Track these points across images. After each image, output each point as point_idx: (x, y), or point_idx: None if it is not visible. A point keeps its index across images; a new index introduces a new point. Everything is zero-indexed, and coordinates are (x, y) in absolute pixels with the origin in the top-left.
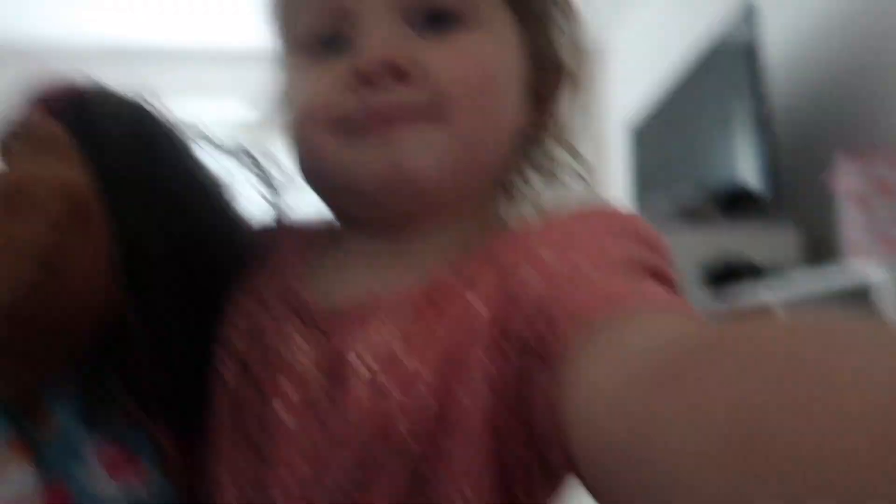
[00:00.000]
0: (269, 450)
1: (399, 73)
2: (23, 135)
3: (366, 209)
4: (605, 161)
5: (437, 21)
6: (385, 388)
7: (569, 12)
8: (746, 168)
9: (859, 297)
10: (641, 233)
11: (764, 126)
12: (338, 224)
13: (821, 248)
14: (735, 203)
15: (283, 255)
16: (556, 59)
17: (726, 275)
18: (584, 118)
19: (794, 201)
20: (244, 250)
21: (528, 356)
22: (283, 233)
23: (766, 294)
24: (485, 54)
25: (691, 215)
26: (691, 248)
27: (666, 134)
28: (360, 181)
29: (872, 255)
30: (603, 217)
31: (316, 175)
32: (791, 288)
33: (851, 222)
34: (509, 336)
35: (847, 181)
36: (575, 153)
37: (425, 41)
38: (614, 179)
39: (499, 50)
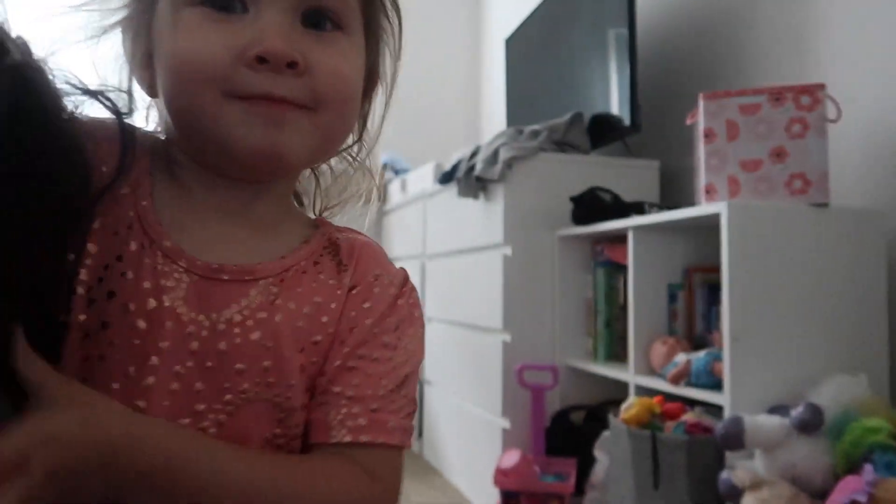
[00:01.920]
0: (140, 379)
1: (293, 67)
2: None
3: (229, 166)
4: (485, 76)
5: (319, 20)
6: (260, 336)
7: (397, 32)
8: (615, 97)
9: (707, 230)
10: (412, 319)
11: (632, 57)
12: (179, 150)
13: (678, 182)
14: (603, 132)
15: (133, 180)
16: (376, 69)
17: (592, 208)
18: (463, 31)
19: (657, 136)
20: (82, 171)
21: (319, 378)
22: (129, 149)
23: (625, 224)
24: (351, 61)
25: (564, 143)
26: (562, 178)
27: (539, 50)
28: (238, 147)
29: (720, 193)
30: (396, 294)
31: (191, 124)
32: (648, 220)
33: (704, 161)
34: (321, 345)
35: (703, 121)
36: (375, 161)
37: (311, 38)
38: (493, 96)
39: (358, 58)
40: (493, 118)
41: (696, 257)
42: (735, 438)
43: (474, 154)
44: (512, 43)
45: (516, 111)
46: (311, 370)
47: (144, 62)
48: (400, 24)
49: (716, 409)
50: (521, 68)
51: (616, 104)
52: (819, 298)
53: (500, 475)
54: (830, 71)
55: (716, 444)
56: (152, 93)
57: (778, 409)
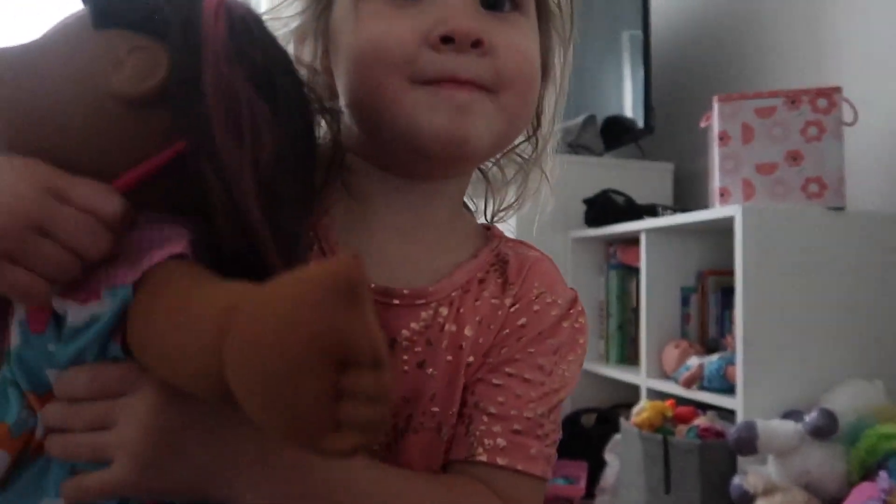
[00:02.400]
0: None
1: (478, 46)
2: None
3: (411, 157)
4: None
5: (498, 1)
6: (426, 362)
7: (568, 19)
8: (629, 100)
9: (721, 233)
10: (573, 343)
11: (646, 59)
12: (354, 154)
13: (691, 185)
14: (616, 134)
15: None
16: (547, 58)
17: (605, 210)
18: None
19: (670, 139)
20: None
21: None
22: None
23: (638, 227)
24: (531, 42)
25: (577, 146)
26: (575, 180)
27: None
28: (423, 133)
29: (734, 196)
30: (561, 315)
31: (373, 111)
32: (661, 223)
33: (718, 163)
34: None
35: (718, 124)
36: (547, 160)
37: (492, 19)
38: None
39: (536, 40)
40: None
41: (710, 260)
42: (748, 443)
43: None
44: None
45: None
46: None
47: (322, 66)
48: (572, 9)
49: (728, 414)
50: None
51: (630, 106)
52: (834, 303)
53: None
54: (847, 73)
55: (728, 448)
56: (330, 96)
57: (791, 415)
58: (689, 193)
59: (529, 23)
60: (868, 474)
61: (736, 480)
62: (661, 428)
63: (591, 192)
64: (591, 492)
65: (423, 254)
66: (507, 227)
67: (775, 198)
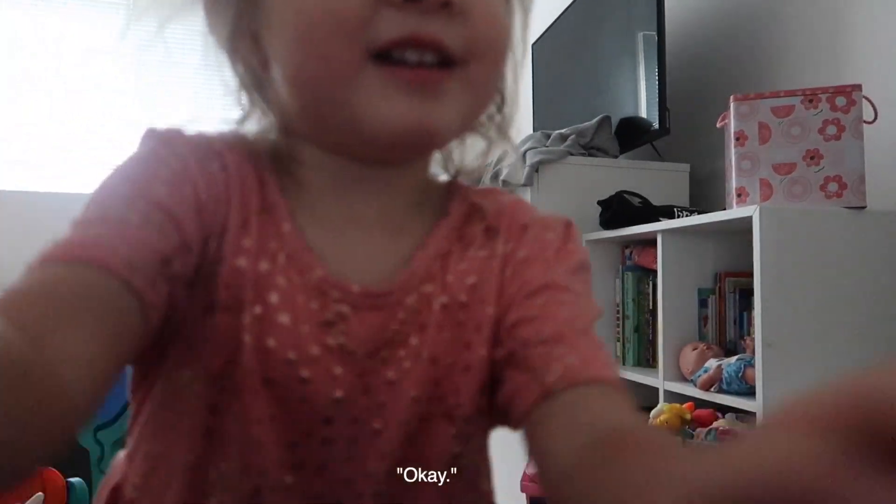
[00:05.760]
0: (322, 421)
1: (448, 6)
2: None
3: (366, 150)
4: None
5: None
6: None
7: None
8: (644, 101)
9: (738, 234)
10: (586, 265)
11: (661, 59)
12: (300, 140)
13: (708, 186)
14: (631, 135)
15: (258, 203)
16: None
17: (621, 212)
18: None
19: (686, 140)
20: None
21: (507, 358)
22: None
23: (655, 228)
24: (502, 9)
25: (592, 147)
26: (590, 182)
27: (566, 54)
28: (381, 125)
29: (751, 197)
30: (561, 238)
31: (319, 92)
32: (678, 224)
33: (735, 164)
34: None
35: (734, 124)
36: (508, 121)
37: None
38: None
39: (508, 8)
40: (520, 122)
41: (727, 262)
42: None
43: (500, 159)
44: (539, 47)
45: (543, 115)
46: (482, 365)
47: (249, 30)
48: None
49: (748, 416)
50: (548, 72)
51: (644, 107)
52: (854, 304)
53: (527, 481)
54: (866, 71)
55: None
56: (261, 77)
57: None
58: (705, 194)
59: None
60: None
61: None
62: (680, 431)
63: (605, 193)
64: None
65: (395, 236)
66: None
67: (793, 198)
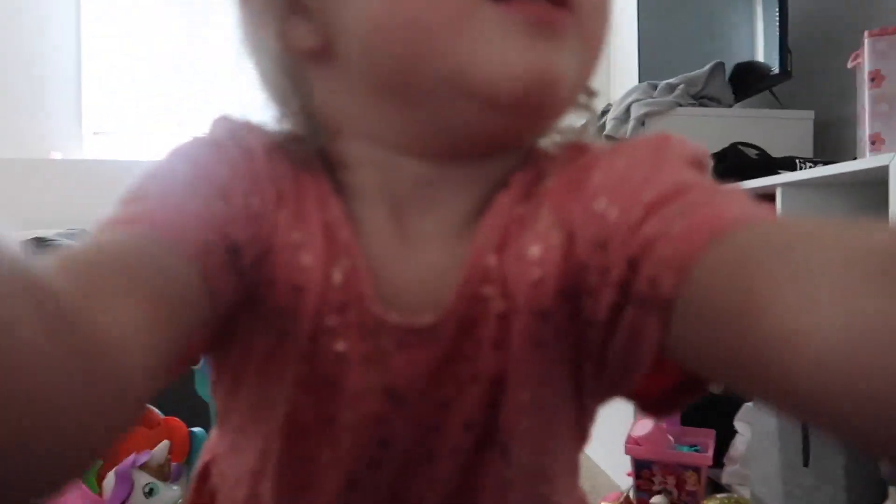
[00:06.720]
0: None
1: None
2: None
3: (464, 108)
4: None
5: None
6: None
7: None
8: (761, 43)
9: (872, 186)
10: (701, 158)
11: (781, 2)
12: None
13: (836, 134)
14: (747, 82)
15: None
16: None
17: (736, 165)
18: None
19: (810, 84)
20: None
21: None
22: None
23: (774, 182)
24: None
25: (703, 97)
26: (702, 134)
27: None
28: (502, 72)
29: (888, 143)
30: (656, 146)
31: (418, 46)
32: (800, 177)
33: (869, 108)
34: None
35: (869, 63)
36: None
37: None
38: (624, 48)
39: None
40: (625, 73)
41: (858, 217)
42: None
43: (604, 112)
44: None
45: (649, 64)
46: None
47: (304, 21)
48: None
49: None
50: (655, 17)
51: (762, 50)
52: None
53: (633, 443)
54: None
55: None
56: (306, 75)
57: None
58: (832, 144)
59: None
60: None
61: None
62: None
63: (719, 146)
64: (719, 461)
65: (459, 244)
66: None
67: None
